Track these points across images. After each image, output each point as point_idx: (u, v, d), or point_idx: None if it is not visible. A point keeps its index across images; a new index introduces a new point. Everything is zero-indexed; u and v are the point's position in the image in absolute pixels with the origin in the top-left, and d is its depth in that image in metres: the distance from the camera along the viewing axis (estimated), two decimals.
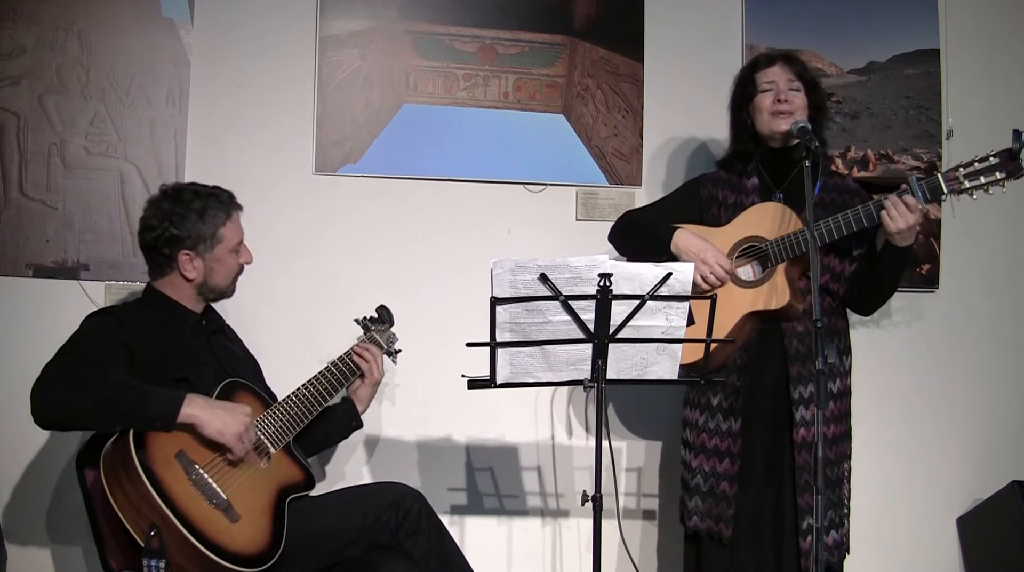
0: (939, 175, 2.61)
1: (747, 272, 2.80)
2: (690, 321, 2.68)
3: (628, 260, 2.96)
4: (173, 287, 2.64)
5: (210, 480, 2.36)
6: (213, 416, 2.38)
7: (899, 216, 2.59)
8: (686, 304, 2.34)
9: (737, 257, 2.81)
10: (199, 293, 2.66)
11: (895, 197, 2.61)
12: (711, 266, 2.74)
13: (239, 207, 2.69)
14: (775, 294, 2.72)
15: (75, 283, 3.15)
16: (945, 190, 2.60)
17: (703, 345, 2.48)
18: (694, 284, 2.66)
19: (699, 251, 2.76)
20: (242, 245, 2.69)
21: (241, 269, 2.72)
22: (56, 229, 3.15)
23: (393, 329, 3.01)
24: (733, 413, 2.77)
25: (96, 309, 2.73)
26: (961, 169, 2.60)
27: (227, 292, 2.72)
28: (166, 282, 2.65)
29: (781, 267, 2.73)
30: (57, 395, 2.31)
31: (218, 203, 2.63)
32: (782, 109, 2.78)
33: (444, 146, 3.36)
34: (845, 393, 2.83)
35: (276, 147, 3.28)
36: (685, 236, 2.79)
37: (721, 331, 2.69)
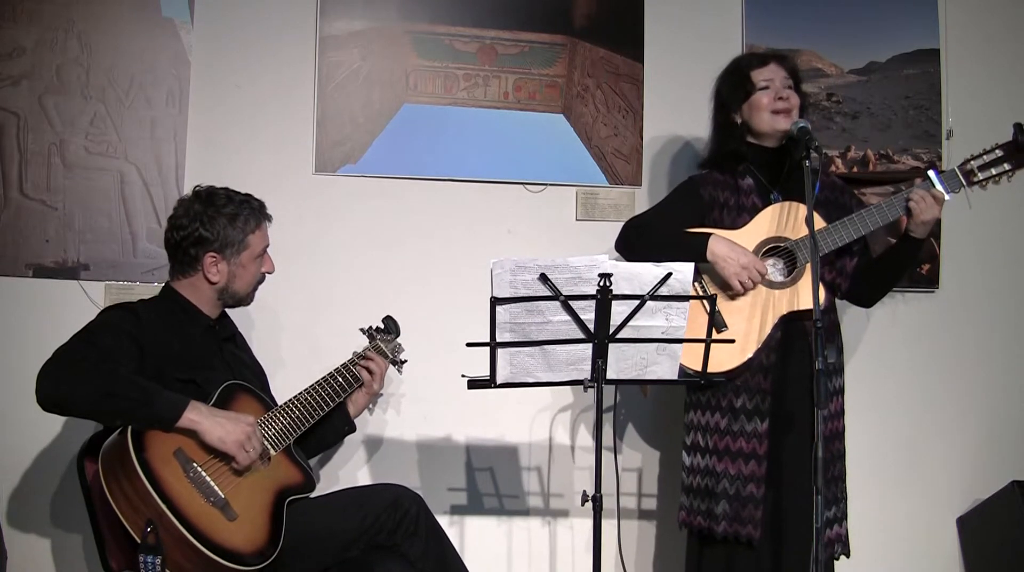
0: (955, 168, 2.74)
1: (773, 273, 2.80)
2: (722, 325, 2.70)
3: None
4: (193, 289, 2.65)
5: (208, 478, 2.36)
6: (214, 424, 2.38)
7: (928, 207, 2.69)
8: (686, 304, 2.34)
9: (760, 258, 2.80)
10: (219, 298, 2.67)
11: (921, 190, 2.71)
12: (750, 270, 2.71)
13: (269, 217, 2.71)
14: (808, 293, 2.72)
15: (75, 283, 3.15)
16: (963, 181, 2.72)
17: (743, 349, 2.62)
18: (731, 288, 2.69)
19: (737, 256, 2.72)
20: (266, 254, 2.71)
21: (263, 278, 2.74)
22: (56, 229, 3.15)
23: (399, 340, 3.01)
24: (759, 414, 2.74)
25: (108, 305, 2.74)
26: (972, 161, 2.73)
27: (246, 299, 2.73)
28: (186, 283, 2.65)
29: (808, 266, 2.73)
30: (65, 380, 2.32)
31: (249, 210, 2.65)
32: (782, 107, 2.79)
33: (444, 146, 3.36)
34: (842, 389, 2.86)
35: (276, 147, 3.28)
36: (721, 243, 2.74)
37: (762, 334, 2.73)
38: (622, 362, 2.37)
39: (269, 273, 2.74)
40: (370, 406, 3.04)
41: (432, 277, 3.34)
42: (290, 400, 2.67)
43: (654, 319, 2.33)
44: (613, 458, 2.72)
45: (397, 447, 3.32)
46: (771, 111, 2.80)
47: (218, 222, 2.60)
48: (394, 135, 3.34)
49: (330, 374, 2.78)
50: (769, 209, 2.81)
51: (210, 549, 2.26)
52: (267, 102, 3.28)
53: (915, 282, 3.53)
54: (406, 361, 3.02)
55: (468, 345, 2.34)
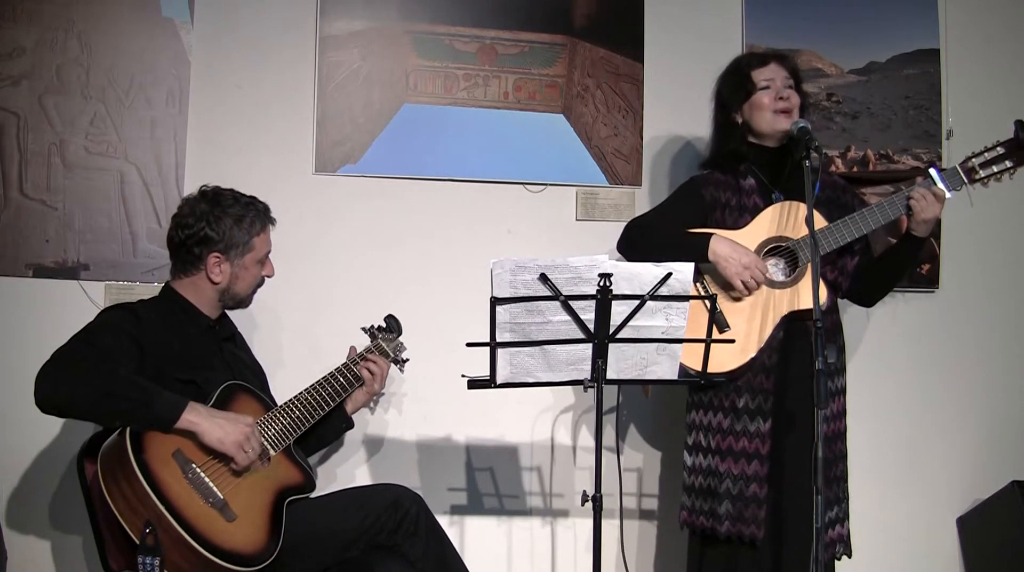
0: (957, 165, 2.74)
1: (774, 273, 2.80)
2: (724, 325, 2.71)
3: None
4: (194, 289, 2.65)
5: (207, 479, 2.36)
6: (213, 425, 2.38)
7: (929, 206, 2.70)
8: (686, 304, 2.34)
9: (762, 257, 2.80)
10: (220, 298, 2.67)
11: (922, 188, 2.72)
12: (751, 270, 2.71)
13: (273, 220, 2.72)
14: (809, 293, 2.72)
15: (75, 283, 3.15)
16: (964, 179, 2.73)
17: (744, 349, 2.62)
18: (734, 289, 2.69)
19: (739, 256, 2.72)
20: (268, 258, 2.72)
21: (263, 281, 2.74)
22: (56, 229, 3.15)
23: (401, 338, 3.01)
24: (762, 414, 2.74)
25: (107, 306, 2.74)
26: (973, 159, 2.74)
27: (245, 301, 2.73)
28: (187, 283, 2.65)
29: (810, 265, 2.73)
30: (65, 381, 2.31)
31: (255, 212, 2.66)
32: (783, 107, 2.79)
33: (444, 146, 3.36)
34: (844, 390, 2.86)
35: (276, 147, 3.28)
36: (722, 243, 2.74)
37: (763, 335, 2.72)
38: (622, 362, 2.37)
39: (269, 277, 2.74)
40: (371, 405, 3.04)
41: (432, 277, 3.34)
42: (290, 400, 2.67)
43: (654, 319, 2.33)
44: (616, 458, 2.73)
45: (397, 447, 3.32)
46: (772, 111, 2.79)
47: (224, 222, 2.61)
48: (394, 135, 3.33)
49: (331, 374, 2.77)
50: (770, 209, 2.81)
51: (209, 550, 2.26)
52: (267, 102, 3.28)
53: (915, 282, 3.53)
54: (408, 360, 3.02)
55: (468, 345, 2.34)
